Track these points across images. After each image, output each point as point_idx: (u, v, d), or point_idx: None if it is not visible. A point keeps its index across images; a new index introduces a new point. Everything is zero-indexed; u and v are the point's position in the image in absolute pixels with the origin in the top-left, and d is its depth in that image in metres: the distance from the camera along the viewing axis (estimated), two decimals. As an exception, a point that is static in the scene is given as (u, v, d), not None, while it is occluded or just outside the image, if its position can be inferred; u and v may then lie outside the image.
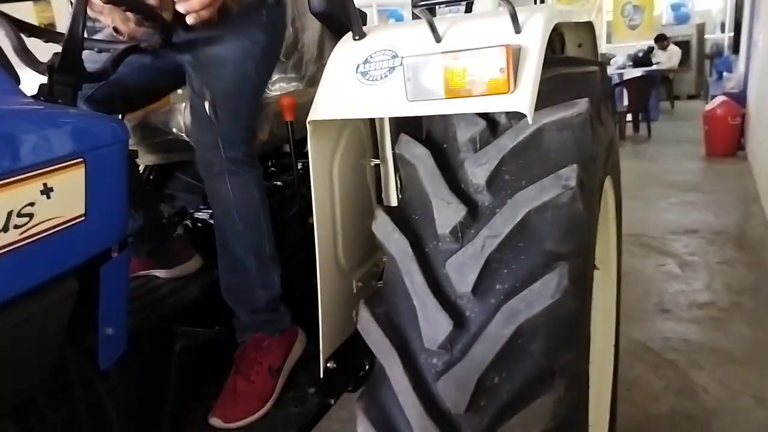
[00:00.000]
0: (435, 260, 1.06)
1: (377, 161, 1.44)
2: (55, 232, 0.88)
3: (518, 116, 1.05)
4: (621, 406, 1.92)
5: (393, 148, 1.39)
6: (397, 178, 1.43)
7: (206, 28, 1.23)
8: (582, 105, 1.11)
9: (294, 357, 1.45)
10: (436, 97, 1.02)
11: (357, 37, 1.20)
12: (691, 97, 10.65)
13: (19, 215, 0.82)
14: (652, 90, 8.04)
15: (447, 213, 1.07)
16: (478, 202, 1.07)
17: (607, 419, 1.80)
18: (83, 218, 0.93)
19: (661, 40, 9.81)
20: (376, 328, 1.07)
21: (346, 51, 1.20)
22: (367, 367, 1.36)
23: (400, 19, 9.87)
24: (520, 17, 1.05)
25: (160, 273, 1.57)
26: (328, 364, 1.27)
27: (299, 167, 1.56)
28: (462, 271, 1.02)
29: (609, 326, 1.89)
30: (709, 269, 3.46)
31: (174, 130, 1.53)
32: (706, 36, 11.15)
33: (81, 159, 0.93)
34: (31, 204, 0.84)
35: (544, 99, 1.05)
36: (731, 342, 2.66)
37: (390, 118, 1.37)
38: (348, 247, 1.36)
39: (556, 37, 1.63)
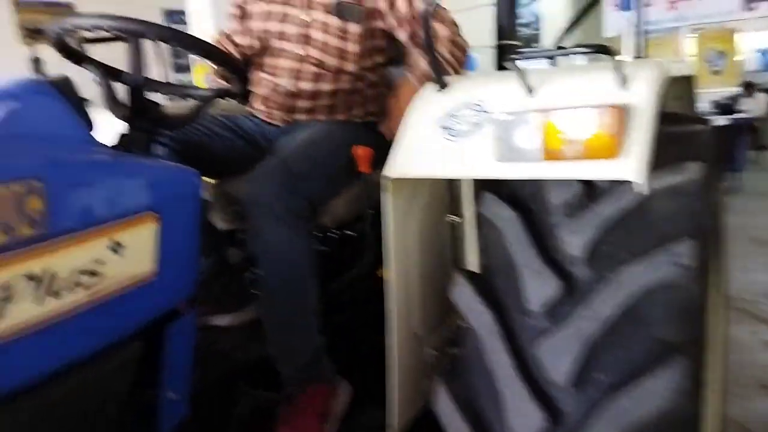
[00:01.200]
0: (524, 339, 0.94)
1: (455, 218, 1.35)
2: (123, 291, 0.83)
3: (620, 183, 0.93)
4: None
5: (474, 205, 1.30)
6: (477, 238, 1.33)
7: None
8: (694, 169, 0.98)
9: (338, 410, 1.35)
10: (531, 159, 0.93)
11: (440, 89, 1.12)
12: (779, 147, 10.01)
13: (86, 273, 0.78)
14: (738, 139, 7.60)
15: (538, 285, 0.96)
16: (574, 275, 0.96)
17: None
18: (153, 276, 0.89)
19: (748, 86, 9.33)
20: (454, 412, 0.97)
21: (427, 103, 1.12)
22: None
23: (469, 60, 9.86)
24: (627, 71, 0.95)
25: (220, 320, 1.52)
26: (397, 439, 1.16)
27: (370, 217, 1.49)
28: (556, 355, 0.90)
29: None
30: (812, 340, 3.12)
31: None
32: (796, 83, 10.54)
33: (153, 212, 0.89)
34: (98, 261, 0.79)
35: (652, 161, 0.93)
36: None
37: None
38: (422, 309, 1.26)
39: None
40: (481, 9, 1.14)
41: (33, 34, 8.08)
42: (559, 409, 0.87)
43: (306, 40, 1.53)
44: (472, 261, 1.32)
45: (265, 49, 1.58)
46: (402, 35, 1.53)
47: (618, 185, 0.98)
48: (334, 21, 1.51)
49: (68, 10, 8.63)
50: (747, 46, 11.08)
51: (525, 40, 11.30)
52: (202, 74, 4.55)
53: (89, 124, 0.90)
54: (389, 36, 1.58)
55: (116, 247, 0.82)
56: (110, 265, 0.81)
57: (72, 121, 0.86)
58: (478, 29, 1.24)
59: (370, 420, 1.37)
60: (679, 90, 1.67)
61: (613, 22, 8.68)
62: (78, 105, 0.90)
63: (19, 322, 0.70)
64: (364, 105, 1.60)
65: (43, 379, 0.75)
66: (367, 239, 1.48)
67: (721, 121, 7.87)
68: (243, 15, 1.65)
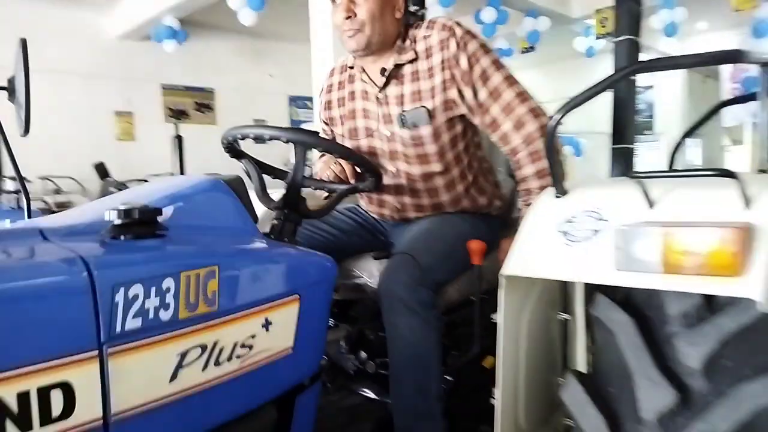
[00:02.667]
0: (638, 447, 0.95)
1: (566, 316, 1.38)
2: (268, 362, 0.95)
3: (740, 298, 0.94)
4: None
5: (585, 306, 1.33)
6: (587, 339, 1.35)
7: None
8: (821, 289, 0.96)
9: None
10: (650, 271, 0.96)
11: (559, 194, 1.19)
12: None
13: (242, 346, 0.91)
14: None
15: (653, 395, 0.96)
16: (691, 387, 0.96)
17: None
18: (291, 350, 1.00)
19: None
20: None
21: (546, 207, 1.19)
22: None
23: (574, 144, 9.82)
24: (751, 190, 0.98)
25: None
26: None
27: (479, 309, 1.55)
28: (671, 469, 0.90)
29: None
30: None
31: (365, 274, 1.62)
32: None
33: (297, 295, 1.02)
34: (253, 336, 0.92)
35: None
36: None
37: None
38: (529, 406, 1.28)
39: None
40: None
41: (176, 113, 9.17)
42: None
43: (392, 155, 1.62)
44: (581, 361, 1.34)
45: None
46: (497, 140, 1.58)
47: (739, 300, 0.98)
48: (405, 133, 1.57)
49: (207, 94, 9.72)
50: None
51: (638, 128, 11.11)
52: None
53: (255, 217, 1.06)
54: (465, 119, 1.61)
55: (267, 325, 0.95)
56: (261, 339, 0.94)
57: (241, 215, 1.03)
58: (589, 114, 1.29)
59: None
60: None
61: (734, 112, 8.38)
62: (246, 200, 1.07)
63: (186, 386, 0.83)
64: (469, 197, 1.67)
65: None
66: (475, 327, 1.53)
67: None
68: (332, 133, 1.79)
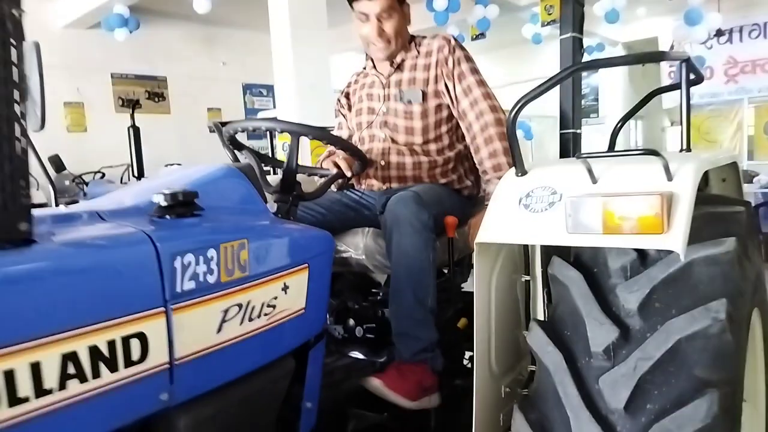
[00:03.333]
0: (588, 375, 1.18)
1: (527, 278, 1.61)
2: (287, 320, 1.14)
3: (668, 251, 1.18)
4: None
5: (543, 268, 1.56)
6: (545, 295, 1.59)
7: None
8: (730, 243, 1.22)
9: (432, 401, 1.65)
10: (593, 232, 1.19)
11: (519, 174, 1.41)
12: None
13: (268, 306, 1.09)
14: (800, 210, 7.51)
15: (600, 332, 1.20)
16: (630, 325, 1.20)
17: None
18: (303, 311, 1.19)
19: (811, 158, 9.25)
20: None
21: (510, 185, 1.41)
22: None
23: (525, 128, 10.23)
24: (672, 166, 1.22)
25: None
26: (478, 461, 1.39)
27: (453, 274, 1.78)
28: (614, 388, 1.13)
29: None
30: None
31: (351, 248, 1.81)
32: None
33: (306, 264, 1.21)
34: (275, 298, 1.11)
35: (693, 235, 1.17)
36: None
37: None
38: (499, 353, 1.51)
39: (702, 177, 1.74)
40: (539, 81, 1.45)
41: (128, 103, 9.03)
42: (616, 430, 1.10)
43: (384, 125, 1.97)
44: (541, 314, 1.57)
45: (358, 137, 2.01)
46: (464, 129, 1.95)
47: (666, 254, 1.23)
48: (400, 106, 1.95)
49: (159, 83, 9.60)
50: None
51: (585, 111, 11.63)
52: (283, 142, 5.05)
53: (264, 199, 1.24)
54: (449, 109, 1.98)
55: (285, 288, 1.13)
56: (281, 300, 1.12)
57: (255, 197, 1.20)
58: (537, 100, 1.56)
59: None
60: (725, 174, 1.91)
61: (673, 96, 8.90)
62: (257, 185, 1.24)
63: (228, 337, 1.01)
64: (446, 171, 1.96)
65: (234, 381, 1.05)
66: (451, 291, 1.75)
67: (783, 192, 7.82)
68: (347, 121, 2.16)
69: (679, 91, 1.53)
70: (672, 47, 8.45)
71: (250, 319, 1.05)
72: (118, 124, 8.17)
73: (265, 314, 1.08)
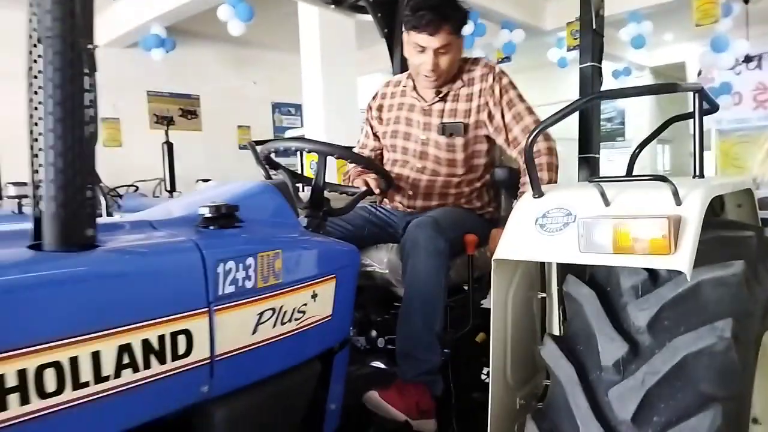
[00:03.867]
0: (598, 388, 1.24)
1: (543, 295, 1.68)
2: (315, 325, 1.23)
3: (678, 272, 1.25)
4: None
5: (558, 285, 1.63)
6: (560, 311, 1.65)
7: None
8: (738, 266, 1.27)
9: (426, 425, 1.68)
10: (604, 252, 1.26)
11: (536, 196, 1.49)
12: None
13: (298, 311, 1.18)
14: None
15: (611, 348, 1.26)
16: (639, 341, 1.26)
17: None
18: (330, 318, 1.28)
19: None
20: (541, 441, 1.26)
21: (526, 206, 1.49)
22: None
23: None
24: (681, 191, 1.28)
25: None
26: (492, 470, 1.45)
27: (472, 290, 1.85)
28: (623, 400, 1.19)
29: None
30: None
31: (375, 263, 1.90)
32: None
33: (334, 275, 1.30)
34: (305, 304, 1.20)
35: (702, 257, 1.23)
36: None
37: (557, 262, 1.62)
38: (515, 367, 1.57)
39: (716, 200, 1.80)
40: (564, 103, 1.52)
41: (161, 120, 9.34)
42: (624, 440, 1.16)
43: (423, 155, 2.00)
44: (555, 329, 1.64)
45: (389, 159, 2.06)
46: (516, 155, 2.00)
47: (675, 275, 1.29)
48: (442, 139, 1.97)
49: (192, 101, 9.91)
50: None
51: (611, 134, 11.62)
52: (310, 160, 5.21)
53: (296, 214, 1.34)
54: (490, 140, 2.03)
55: (314, 296, 1.23)
56: (310, 307, 1.21)
57: (288, 212, 1.31)
58: (563, 123, 1.63)
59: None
60: (741, 200, 1.96)
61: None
62: (290, 200, 1.34)
63: (262, 338, 1.11)
64: (471, 199, 2.02)
65: (266, 378, 1.14)
66: (469, 305, 1.83)
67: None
68: (373, 131, 2.18)
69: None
70: (700, 73, 8.44)
71: (282, 323, 1.14)
72: (151, 140, 8.45)
73: (296, 319, 1.17)
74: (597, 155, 1.97)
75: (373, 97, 2.24)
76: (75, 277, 0.85)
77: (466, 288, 1.97)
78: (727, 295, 1.26)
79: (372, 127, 2.21)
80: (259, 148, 1.62)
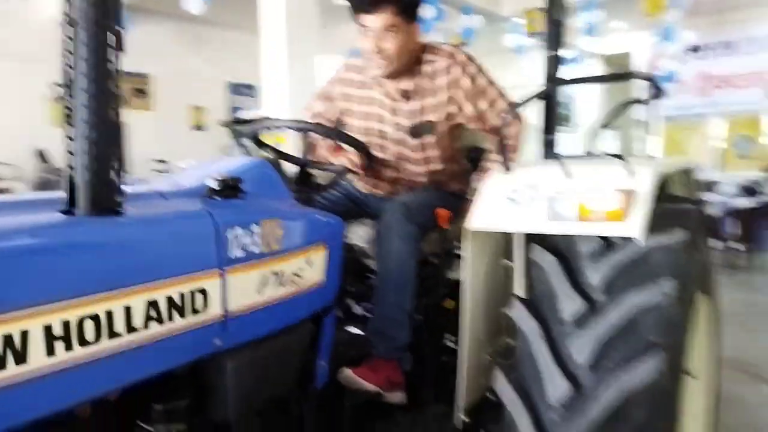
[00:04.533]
0: (559, 341, 1.41)
1: (509, 262, 1.84)
2: (309, 289, 1.35)
3: (629, 239, 1.42)
4: None
5: (523, 254, 1.80)
6: (524, 277, 1.82)
7: None
8: (680, 235, 1.46)
9: (398, 397, 1.82)
10: (569, 221, 1.43)
11: (506, 171, 1.64)
12: (807, 230, 10.25)
13: (295, 275, 1.30)
14: (762, 220, 7.94)
15: (570, 306, 1.43)
16: (595, 300, 1.43)
17: None
18: (322, 283, 1.40)
19: (772, 171, 9.75)
20: (508, 388, 1.43)
21: (497, 180, 1.64)
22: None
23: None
24: (635, 168, 1.46)
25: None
26: (463, 417, 1.61)
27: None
28: (581, 350, 1.36)
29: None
30: (816, 403, 3.42)
31: (354, 237, 2.01)
32: (824, 169, 10.91)
33: (324, 244, 1.42)
34: (301, 269, 1.32)
35: (650, 227, 1.41)
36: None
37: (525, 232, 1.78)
38: (483, 327, 1.74)
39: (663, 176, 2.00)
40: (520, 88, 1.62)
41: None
42: (581, 384, 1.33)
43: (399, 155, 2.05)
44: (520, 293, 1.80)
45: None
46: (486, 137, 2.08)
47: (627, 241, 1.46)
48: (413, 141, 2.00)
49: (143, 80, 9.67)
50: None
51: (559, 120, 12.01)
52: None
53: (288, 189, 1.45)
54: (461, 126, 2.08)
55: (309, 262, 1.34)
56: (305, 272, 1.33)
57: (282, 186, 1.41)
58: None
59: (436, 409, 1.83)
60: (684, 178, 2.18)
61: (646, 107, 9.30)
62: (282, 175, 1.45)
63: (267, 299, 1.22)
64: (442, 179, 2.13)
65: (269, 335, 1.25)
66: (440, 276, 1.98)
67: (746, 202, 8.25)
68: (329, 99, 2.14)
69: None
70: (647, 62, 8.85)
71: (282, 285, 1.25)
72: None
73: (293, 282, 1.29)
74: (557, 136, 2.15)
75: (334, 81, 2.15)
76: (110, 239, 0.94)
77: (435, 261, 2.12)
78: (671, 260, 1.44)
79: (332, 99, 2.15)
80: (249, 127, 1.71)
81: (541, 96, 1.60)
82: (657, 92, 1.82)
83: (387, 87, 1.99)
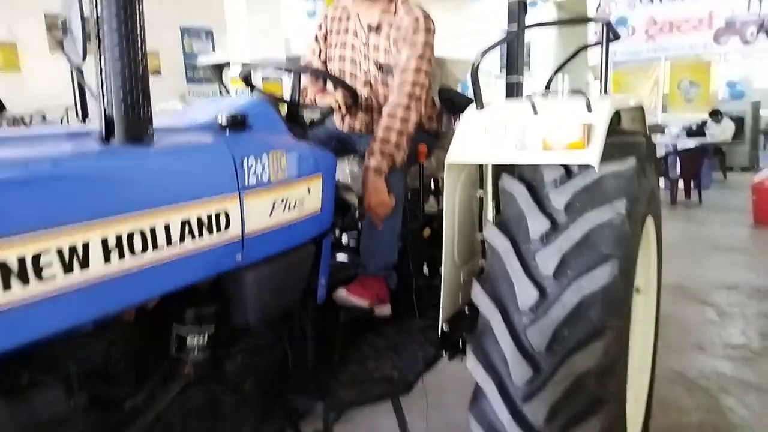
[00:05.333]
0: (527, 254, 1.62)
1: (481, 192, 2.04)
2: (309, 215, 1.51)
3: (586, 167, 1.62)
4: (657, 417, 2.36)
5: (493, 184, 1.99)
6: (494, 205, 2.02)
7: None
8: (631, 162, 1.67)
9: (384, 311, 2.05)
10: (535, 151, 1.62)
11: (479, 108, 1.81)
12: (744, 170, 10.94)
13: (298, 202, 1.45)
14: (704, 160, 8.44)
15: (536, 225, 1.64)
16: (558, 219, 1.64)
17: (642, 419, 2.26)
18: (319, 210, 1.56)
19: (715, 114, 10.27)
20: (484, 297, 1.64)
21: (471, 117, 1.81)
22: (465, 335, 1.93)
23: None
24: (592, 103, 1.65)
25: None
26: (444, 326, 1.83)
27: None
28: (546, 261, 1.58)
29: (647, 346, 2.37)
30: (746, 318, 3.85)
31: (339, 172, 2.15)
32: (761, 112, 11.54)
33: (320, 174, 1.57)
34: (303, 197, 1.47)
35: (606, 156, 1.62)
36: (759, 377, 3.05)
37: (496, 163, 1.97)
38: (460, 250, 1.94)
39: (615, 115, 2.21)
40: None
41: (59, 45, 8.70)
42: (546, 290, 1.56)
43: (367, 84, 2.19)
44: (490, 217, 2.01)
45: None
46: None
47: (585, 170, 1.67)
48: (380, 75, 2.15)
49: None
50: (717, 78, 12.02)
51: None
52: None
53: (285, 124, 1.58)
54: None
55: (308, 191, 1.50)
56: (306, 200, 1.49)
57: (280, 122, 1.55)
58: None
59: (418, 323, 2.06)
60: (635, 115, 2.40)
61: (597, 54, 9.56)
62: (278, 111, 1.58)
63: (276, 222, 1.38)
64: (421, 121, 2.27)
65: (280, 253, 1.41)
66: (422, 203, 2.17)
67: (690, 143, 8.72)
68: (320, 52, 2.30)
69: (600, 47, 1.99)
70: (599, 6, 9.04)
71: (289, 210, 1.41)
72: (52, 65, 7.94)
73: (297, 208, 1.44)
74: (521, 79, 2.32)
75: (320, 26, 2.30)
76: (147, 165, 1.07)
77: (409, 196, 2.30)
78: (623, 184, 1.65)
79: (321, 51, 2.32)
80: (241, 68, 1.81)
81: (506, 40, 1.75)
82: (612, 36, 2.00)
83: (360, 18, 2.15)
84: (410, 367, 1.80)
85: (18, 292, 0.85)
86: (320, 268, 1.63)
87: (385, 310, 2.06)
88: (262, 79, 4.82)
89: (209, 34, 11.21)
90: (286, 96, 1.83)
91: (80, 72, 2.13)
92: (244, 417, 1.46)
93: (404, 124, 1.96)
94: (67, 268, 0.92)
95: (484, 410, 1.60)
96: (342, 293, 1.90)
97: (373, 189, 1.89)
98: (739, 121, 10.73)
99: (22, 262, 0.85)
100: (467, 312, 2.00)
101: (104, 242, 0.98)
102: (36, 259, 0.87)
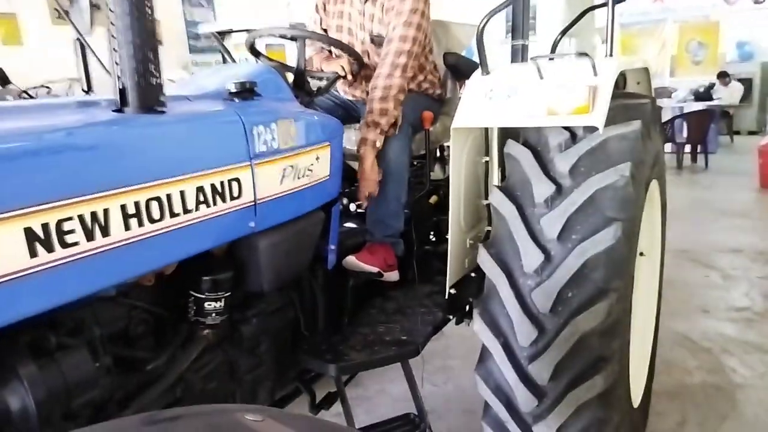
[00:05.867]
0: (532, 218, 1.65)
1: (486, 158, 2.06)
2: (319, 182, 1.54)
3: (591, 130, 1.64)
4: (660, 377, 2.41)
5: (499, 149, 2.01)
6: (499, 171, 2.04)
7: None
8: (636, 125, 1.68)
9: (391, 278, 2.09)
10: (539, 115, 1.63)
11: (485, 73, 1.81)
12: (752, 133, 10.85)
13: (308, 170, 1.48)
14: (711, 124, 8.37)
15: (541, 189, 1.66)
16: (562, 183, 1.66)
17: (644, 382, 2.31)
18: (328, 177, 1.59)
19: (723, 76, 10.12)
20: (490, 260, 1.68)
21: (477, 82, 1.81)
22: (471, 300, 1.97)
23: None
24: (597, 65, 1.65)
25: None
26: (451, 290, 1.88)
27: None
28: (551, 225, 1.61)
29: (651, 308, 2.41)
30: (750, 281, 3.89)
31: (345, 140, 2.18)
32: (771, 73, 11.37)
33: (328, 142, 1.59)
34: (312, 164, 1.50)
35: (610, 119, 1.63)
36: (762, 338, 3.10)
37: (498, 129, 1.99)
38: (466, 215, 1.97)
39: (620, 77, 2.20)
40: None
41: (64, 14, 8.61)
42: (550, 253, 1.59)
43: (365, 53, 2.19)
44: (496, 182, 2.03)
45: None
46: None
47: (589, 133, 1.68)
48: (374, 47, 2.16)
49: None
50: (726, 39, 11.80)
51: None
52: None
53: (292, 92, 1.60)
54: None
55: (317, 159, 1.52)
56: (315, 167, 1.51)
57: (288, 90, 1.56)
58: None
59: (424, 288, 2.10)
60: (640, 76, 2.39)
61: (603, 16, 9.40)
62: (285, 80, 1.59)
63: (287, 188, 1.41)
64: (419, 83, 2.28)
65: (291, 220, 1.45)
66: (427, 170, 2.19)
67: (697, 106, 8.63)
68: (320, 21, 2.30)
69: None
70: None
71: (299, 178, 1.44)
72: (55, 37, 7.87)
73: (306, 176, 1.47)
74: (527, 42, 2.31)
75: None
76: (161, 134, 1.10)
77: (422, 161, 2.32)
78: (627, 147, 1.66)
79: (321, 20, 2.32)
80: (247, 36, 1.81)
81: (511, 3, 1.75)
82: (619, -4, 1.99)
83: None
84: (419, 330, 1.84)
85: (44, 258, 0.88)
86: (329, 235, 1.67)
87: (393, 276, 2.10)
88: (266, 46, 4.81)
89: (210, 0, 11.06)
90: (291, 63, 1.84)
91: (85, 43, 2.11)
92: (259, 379, 1.52)
93: (386, 91, 1.95)
94: (89, 234, 0.95)
95: (490, 371, 1.65)
96: (351, 260, 1.94)
97: (361, 162, 1.92)
98: (747, 83, 10.59)
99: (46, 228, 0.88)
100: (473, 276, 2.04)
101: (123, 209, 1.01)
102: (59, 226, 0.90)
